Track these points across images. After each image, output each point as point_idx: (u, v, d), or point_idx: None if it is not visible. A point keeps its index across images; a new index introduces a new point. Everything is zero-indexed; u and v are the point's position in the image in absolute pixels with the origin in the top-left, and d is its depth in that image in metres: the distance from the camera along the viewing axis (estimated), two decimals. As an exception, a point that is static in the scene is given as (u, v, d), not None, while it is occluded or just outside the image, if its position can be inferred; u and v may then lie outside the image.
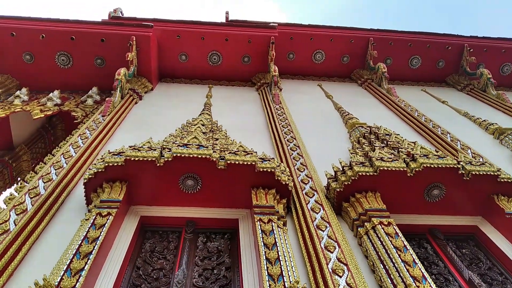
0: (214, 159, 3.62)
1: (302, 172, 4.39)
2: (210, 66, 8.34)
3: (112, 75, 7.28)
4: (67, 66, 7.22)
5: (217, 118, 6.21)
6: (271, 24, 8.38)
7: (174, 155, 3.58)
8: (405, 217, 3.93)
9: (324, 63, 9.17)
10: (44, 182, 3.83)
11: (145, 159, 3.57)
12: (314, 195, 3.91)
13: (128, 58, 6.82)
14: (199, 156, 3.60)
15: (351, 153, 5.04)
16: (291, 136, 5.37)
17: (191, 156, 3.59)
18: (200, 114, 6.14)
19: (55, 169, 4.08)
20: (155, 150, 3.69)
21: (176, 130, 5.08)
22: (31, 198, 3.56)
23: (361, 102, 7.76)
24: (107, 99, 5.99)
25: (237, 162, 3.63)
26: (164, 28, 7.81)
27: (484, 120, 6.69)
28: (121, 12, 8.82)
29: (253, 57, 8.32)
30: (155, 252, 3.43)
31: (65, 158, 4.32)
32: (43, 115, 6.29)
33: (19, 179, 7.88)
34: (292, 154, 4.83)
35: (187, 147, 3.69)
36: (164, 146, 3.88)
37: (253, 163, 3.65)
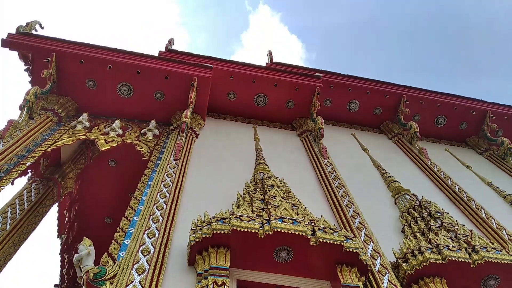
0: (308, 236, 4.08)
1: (369, 245, 4.89)
2: (255, 106, 8.80)
3: (170, 109, 7.73)
4: (127, 96, 7.57)
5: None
6: (316, 74, 8.90)
7: (274, 229, 4.03)
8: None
9: (357, 112, 9.74)
10: (150, 238, 4.22)
11: (248, 230, 4.00)
12: (386, 273, 4.41)
13: (192, 99, 7.22)
14: (296, 233, 4.05)
15: (403, 224, 5.58)
16: (348, 201, 5.87)
17: (289, 232, 4.05)
18: (257, 163, 6.58)
19: (154, 223, 4.47)
20: (254, 220, 4.13)
21: (247, 185, 5.52)
22: (144, 256, 3.95)
23: (394, 159, 8.33)
24: (177, 142, 6.40)
25: (327, 241, 4.10)
26: (220, 68, 8.23)
27: (509, 195, 7.32)
28: (172, 42, 9.21)
29: (297, 102, 8.81)
30: (254, 318, 3.86)
31: (158, 210, 4.72)
32: (109, 147, 6.65)
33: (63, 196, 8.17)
34: (355, 223, 5.33)
35: (283, 222, 4.14)
36: (258, 214, 4.34)
37: (341, 243, 4.12)
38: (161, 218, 4.58)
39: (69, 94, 7.52)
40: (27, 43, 7.16)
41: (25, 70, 7.93)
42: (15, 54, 7.46)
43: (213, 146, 7.30)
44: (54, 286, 12.01)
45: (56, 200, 7.75)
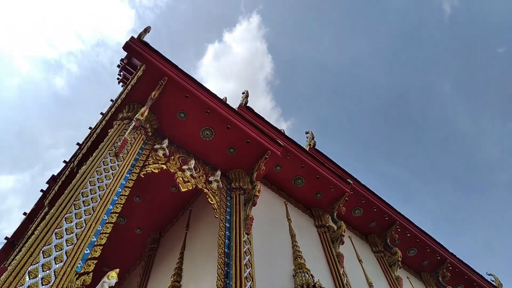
0: None
1: None
2: (291, 184, 9.78)
3: (232, 165, 8.50)
4: (206, 139, 8.14)
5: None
6: (348, 180, 10.15)
7: None
8: None
9: (358, 218, 11.17)
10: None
11: None
12: None
13: (262, 170, 8.03)
14: None
15: None
16: (362, 324, 7.07)
17: None
18: (296, 255, 7.57)
19: (249, 311, 5.25)
20: None
21: (300, 285, 6.48)
22: None
23: (377, 278, 9.80)
24: (250, 217, 7.13)
25: None
26: (283, 144, 9.12)
27: None
28: (245, 94, 9.93)
29: (324, 196, 9.97)
30: None
31: (247, 295, 5.48)
32: (186, 189, 7.19)
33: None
34: None
35: None
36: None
37: None
38: (252, 306, 5.37)
39: (156, 113, 7.85)
40: (146, 56, 7.44)
41: (120, 66, 8.16)
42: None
43: (258, 217, 8.05)
44: (5, 239, 11.80)
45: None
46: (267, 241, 7.53)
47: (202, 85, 7.87)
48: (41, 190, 11.38)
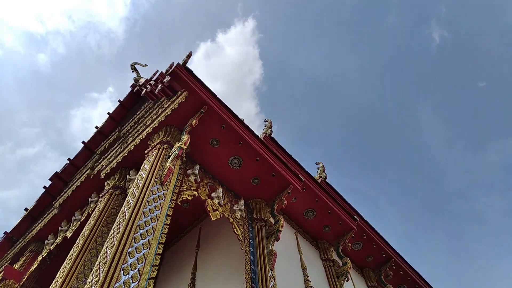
0: None
1: None
2: (302, 216, 10.14)
3: (254, 195, 8.82)
4: (233, 167, 8.41)
5: None
6: (354, 216, 10.60)
7: None
8: None
9: (358, 252, 11.64)
10: None
11: None
12: None
13: (284, 205, 8.36)
14: None
15: None
16: None
17: None
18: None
19: None
20: None
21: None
22: None
23: (373, 314, 10.28)
24: (274, 252, 7.43)
25: None
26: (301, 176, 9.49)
27: None
28: (269, 124, 10.26)
29: (332, 230, 10.37)
30: None
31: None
32: (215, 218, 7.44)
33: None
34: None
35: None
36: None
37: None
38: None
39: (191, 139, 8.06)
40: (190, 84, 7.65)
41: (159, 88, 8.35)
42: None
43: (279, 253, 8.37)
44: (4, 233, 11.85)
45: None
46: (283, 274, 7.83)
47: (238, 117, 8.15)
48: (44, 187, 11.42)
